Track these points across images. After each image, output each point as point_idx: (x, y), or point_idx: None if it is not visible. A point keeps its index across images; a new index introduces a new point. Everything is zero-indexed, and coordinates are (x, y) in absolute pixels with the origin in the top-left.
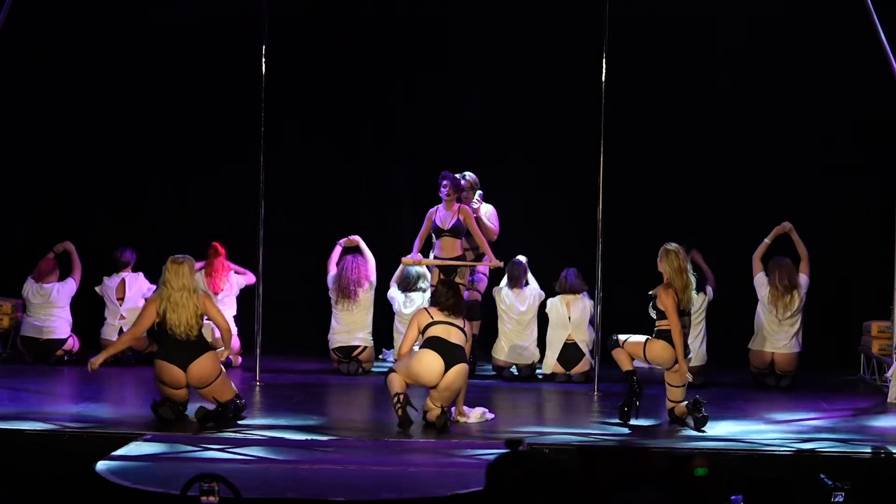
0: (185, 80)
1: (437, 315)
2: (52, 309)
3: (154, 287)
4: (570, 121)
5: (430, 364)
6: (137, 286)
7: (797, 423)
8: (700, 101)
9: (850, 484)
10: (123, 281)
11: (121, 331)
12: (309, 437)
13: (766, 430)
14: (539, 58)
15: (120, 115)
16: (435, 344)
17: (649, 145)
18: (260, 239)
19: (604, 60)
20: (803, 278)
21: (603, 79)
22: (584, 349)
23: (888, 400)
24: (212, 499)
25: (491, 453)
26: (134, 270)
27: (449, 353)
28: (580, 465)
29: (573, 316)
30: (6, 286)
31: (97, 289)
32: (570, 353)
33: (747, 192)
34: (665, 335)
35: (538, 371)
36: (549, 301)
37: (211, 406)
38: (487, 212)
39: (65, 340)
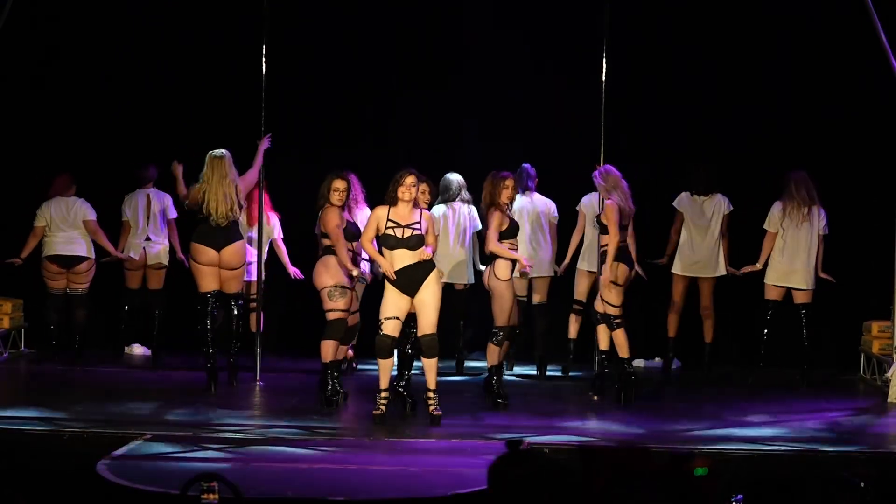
0: (183, 80)
1: None
2: (76, 230)
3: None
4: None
5: None
6: (160, 203)
7: (797, 423)
8: (703, 99)
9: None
10: (148, 197)
11: (144, 250)
12: (309, 437)
13: (766, 430)
14: (539, 57)
15: (118, 114)
16: None
17: (649, 141)
18: (261, 239)
19: (604, 61)
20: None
21: (603, 79)
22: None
23: (888, 400)
24: (212, 498)
25: (491, 453)
26: (156, 187)
27: None
28: (580, 465)
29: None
30: (6, 286)
31: (125, 209)
32: None
33: (747, 192)
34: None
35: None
36: (585, 198)
37: None
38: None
39: (88, 260)
